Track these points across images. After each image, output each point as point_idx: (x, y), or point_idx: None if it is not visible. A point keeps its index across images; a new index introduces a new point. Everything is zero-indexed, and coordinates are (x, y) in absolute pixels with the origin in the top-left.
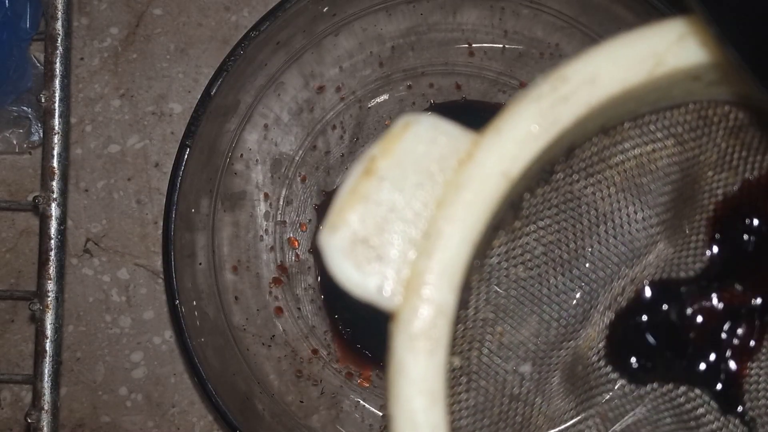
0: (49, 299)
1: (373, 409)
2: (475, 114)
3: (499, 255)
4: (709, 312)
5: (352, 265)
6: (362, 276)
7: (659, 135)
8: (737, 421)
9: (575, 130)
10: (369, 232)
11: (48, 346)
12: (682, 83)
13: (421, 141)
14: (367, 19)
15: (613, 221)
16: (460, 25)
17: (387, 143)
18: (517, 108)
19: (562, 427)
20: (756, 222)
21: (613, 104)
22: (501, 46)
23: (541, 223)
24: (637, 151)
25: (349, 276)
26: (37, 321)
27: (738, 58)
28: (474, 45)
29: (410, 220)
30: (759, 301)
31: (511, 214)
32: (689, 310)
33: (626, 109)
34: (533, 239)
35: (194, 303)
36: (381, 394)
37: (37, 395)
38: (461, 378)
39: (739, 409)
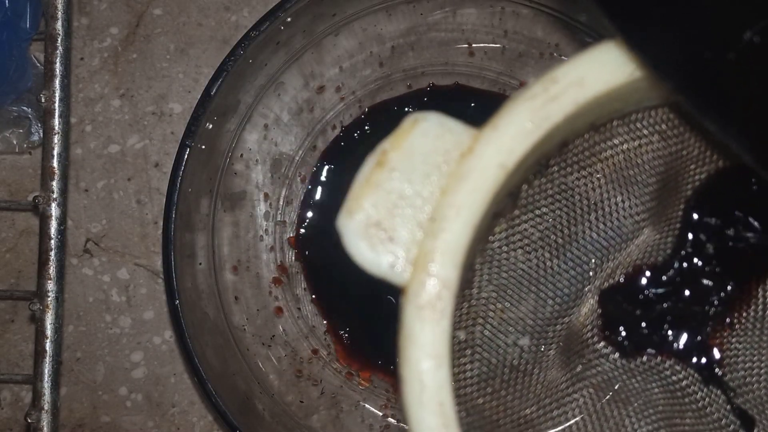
0: (49, 299)
1: (373, 409)
2: (466, 98)
3: (500, 240)
4: (691, 291)
5: (367, 246)
6: (376, 255)
7: (645, 132)
8: (718, 391)
9: (566, 127)
10: (382, 216)
11: (48, 346)
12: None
13: (428, 136)
14: (367, 19)
15: (603, 210)
16: (460, 25)
17: (397, 138)
18: (512, 106)
19: (559, 398)
20: (732, 209)
21: (599, 103)
22: (501, 46)
23: (537, 212)
24: (625, 147)
25: (365, 255)
26: (37, 321)
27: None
28: (474, 45)
29: (418, 206)
30: (735, 280)
31: (510, 203)
32: (673, 290)
33: (613, 108)
34: (531, 226)
35: (194, 303)
36: (381, 394)
37: (37, 395)
38: (466, 350)
39: (720, 380)
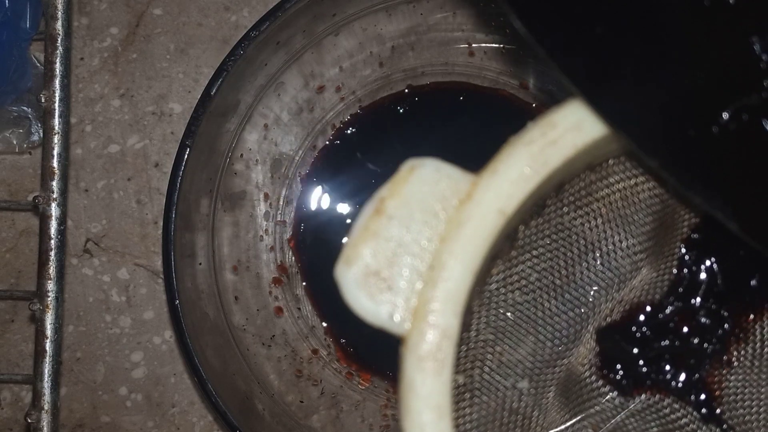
0: (49, 299)
1: (373, 410)
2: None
3: (497, 282)
4: (689, 329)
5: (365, 295)
6: (375, 305)
7: (641, 170)
8: (717, 430)
9: (564, 170)
10: (380, 265)
11: (48, 346)
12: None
13: (426, 183)
14: (367, 19)
15: (600, 249)
16: (460, 25)
17: (394, 185)
18: (511, 151)
19: None
20: (729, 247)
21: (597, 146)
22: (501, 46)
23: (535, 252)
24: (621, 185)
25: (363, 305)
26: (37, 321)
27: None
28: (474, 45)
29: (417, 253)
30: (732, 318)
31: (507, 244)
32: (671, 328)
33: (610, 149)
34: (528, 267)
35: (194, 303)
36: (381, 394)
37: (37, 395)
38: (465, 394)
39: (719, 418)
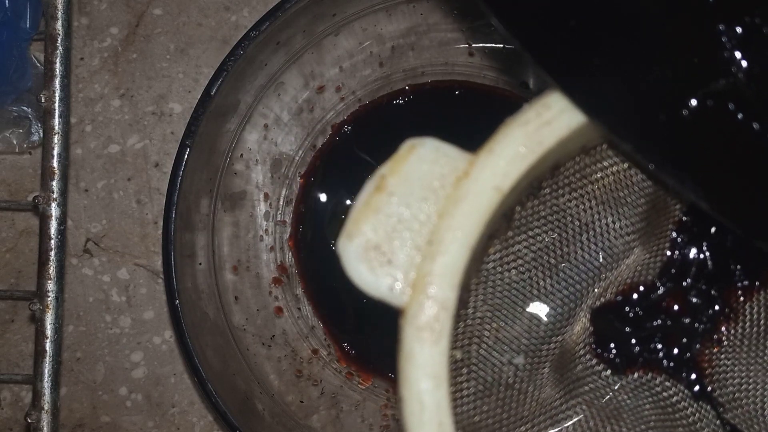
0: (49, 299)
1: (373, 410)
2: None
3: (494, 261)
4: (680, 309)
5: (366, 269)
6: (375, 278)
7: None
8: (708, 407)
9: (559, 150)
10: (381, 239)
11: (48, 346)
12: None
13: (425, 161)
14: (367, 19)
15: (594, 230)
16: (460, 25)
17: (395, 163)
18: (507, 131)
19: (554, 416)
20: (720, 229)
21: (591, 127)
22: (501, 46)
23: (530, 233)
24: (614, 168)
25: (364, 278)
26: (37, 321)
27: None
28: (474, 45)
29: (416, 229)
30: (722, 297)
31: (504, 224)
32: (663, 308)
33: (603, 132)
34: (524, 247)
35: (194, 303)
36: (381, 394)
37: (37, 395)
38: (462, 369)
39: (709, 396)
